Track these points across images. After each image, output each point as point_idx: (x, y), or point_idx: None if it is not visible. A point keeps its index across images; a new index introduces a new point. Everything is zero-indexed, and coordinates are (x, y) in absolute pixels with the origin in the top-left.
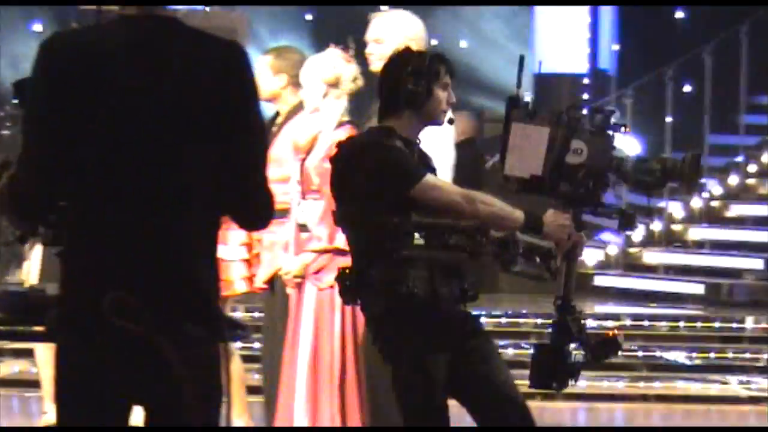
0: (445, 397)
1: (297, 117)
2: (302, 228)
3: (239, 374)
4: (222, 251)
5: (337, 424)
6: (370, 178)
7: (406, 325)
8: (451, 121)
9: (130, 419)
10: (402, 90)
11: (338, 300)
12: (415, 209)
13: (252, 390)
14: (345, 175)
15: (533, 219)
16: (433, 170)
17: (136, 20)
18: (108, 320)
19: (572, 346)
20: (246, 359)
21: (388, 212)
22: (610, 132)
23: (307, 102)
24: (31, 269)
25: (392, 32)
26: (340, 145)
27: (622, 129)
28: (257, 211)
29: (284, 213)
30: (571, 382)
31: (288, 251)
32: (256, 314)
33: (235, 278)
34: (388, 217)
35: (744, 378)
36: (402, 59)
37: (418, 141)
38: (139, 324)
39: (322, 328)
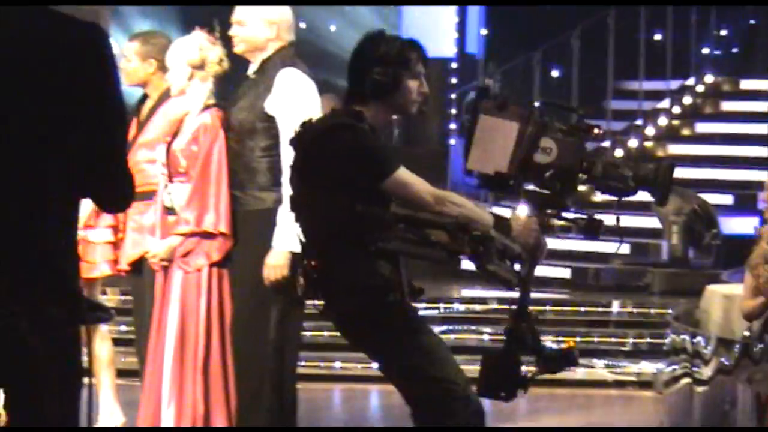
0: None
1: (167, 101)
2: (169, 211)
3: (109, 357)
4: (88, 234)
5: (201, 409)
6: (343, 163)
7: (381, 322)
8: (421, 112)
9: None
10: (367, 78)
11: (205, 284)
12: (385, 200)
13: (121, 373)
14: (311, 158)
15: (502, 222)
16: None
17: None
18: None
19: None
20: (115, 342)
21: (360, 201)
22: (582, 132)
23: (172, 85)
24: None
25: (255, 15)
26: (305, 125)
27: (595, 130)
28: (117, 193)
29: (152, 195)
30: (520, 393)
31: (154, 234)
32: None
33: (99, 260)
34: (367, 207)
35: (610, 362)
36: (371, 44)
37: (382, 132)
38: None
39: (188, 313)
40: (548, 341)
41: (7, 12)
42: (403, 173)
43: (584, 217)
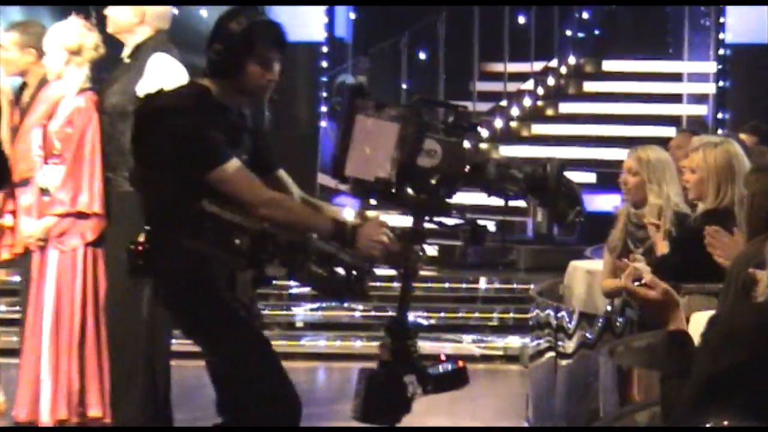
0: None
1: (46, 86)
2: (44, 192)
3: None
4: None
5: (76, 385)
6: (168, 148)
7: (192, 310)
8: (272, 100)
9: None
10: (208, 54)
11: (80, 263)
12: (209, 191)
13: (5, 352)
14: (142, 136)
15: (345, 230)
16: (255, 140)
17: None
18: None
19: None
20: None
21: (182, 187)
22: (466, 131)
23: (50, 70)
24: None
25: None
26: (147, 97)
27: (477, 128)
28: None
29: (29, 179)
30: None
31: (31, 215)
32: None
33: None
34: (179, 195)
35: (477, 337)
36: (223, 21)
37: (236, 108)
38: None
39: (63, 291)
40: (418, 317)
41: None
42: (230, 168)
43: (465, 223)
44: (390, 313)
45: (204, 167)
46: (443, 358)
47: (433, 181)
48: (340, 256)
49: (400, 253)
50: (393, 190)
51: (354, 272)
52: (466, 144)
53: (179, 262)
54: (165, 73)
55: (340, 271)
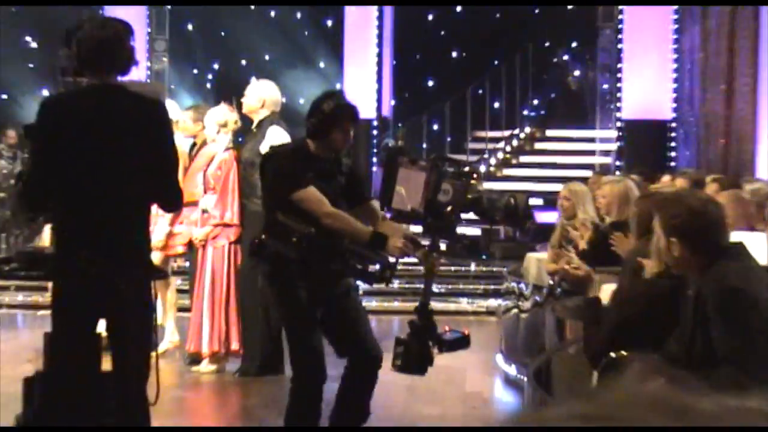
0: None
1: (205, 146)
2: (204, 212)
3: (173, 299)
4: (174, 228)
5: (224, 328)
6: (272, 177)
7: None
8: (348, 154)
9: (98, 326)
10: (307, 123)
11: (226, 255)
12: (294, 210)
13: (181, 309)
14: (262, 172)
15: (379, 239)
16: (351, 180)
17: (98, 86)
18: (82, 268)
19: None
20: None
21: (274, 205)
22: (467, 177)
23: (208, 135)
24: (44, 237)
25: (252, 91)
26: (271, 148)
27: (474, 175)
28: (171, 200)
29: (196, 202)
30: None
31: (198, 225)
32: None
33: (174, 244)
34: (271, 210)
35: (470, 300)
36: (319, 100)
37: (327, 159)
38: (101, 269)
39: (216, 271)
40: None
41: (110, 93)
42: (305, 192)
43: (465, 239)
44: (416, 285)
45: (288, 190)
46: (447, 328)
47: (448, 211)
48: (366, 254)
49: (412, 252)
50: (421, 217)
51: (379, 266)
52: (468, 186)
53: (269, 254)
54: (277, 138)
55: (375, 266)
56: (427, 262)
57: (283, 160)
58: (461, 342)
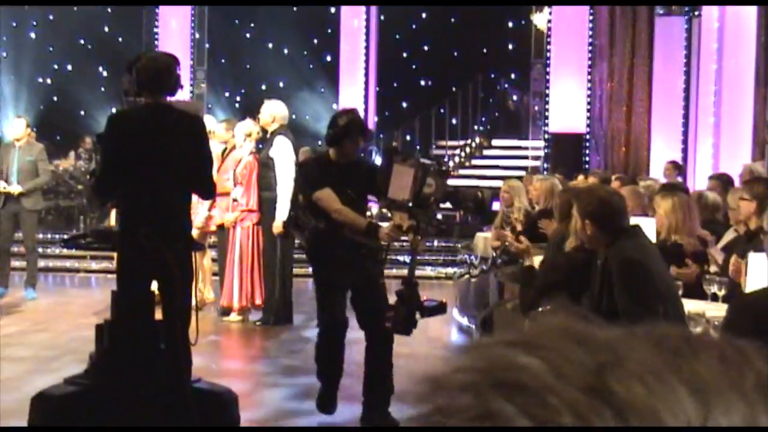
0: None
1: (234, 151)
2: (234, 200)
3: (209, 266)
4: (204, 211)
5: (249, 288)
6: (299, 183)
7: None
8: (359, 158)
9: (152, 285)
10: (326, 134)
11: (251, 234)
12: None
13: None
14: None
15: (373, 228)
16: (365, 181)
17: (152, 104)
18: (140, 242)
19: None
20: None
21: (303, 203)
22: (445, 173)
23: (237, 142)
24: (112, 219)
25: (266, 110)
26: (304, 159)
27: (450, 173)
28: (207, 191)
29: (227, 193)
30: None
31: (229, 211)
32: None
33: (209, 224)
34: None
35: (434, 267)
36: (335, 116)
37: (343, 163)
38: (154, 242)
39: (243, 246)
40: (407, 258)
41: (162, 111)
42: (321, 193)
43: (442, 224)
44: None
45: (309, 191)
46: (426, 297)
47: (431, 201)
48: (366, 241)
49: (398, 237)
50: (409, 206)
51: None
52: (446, 179)
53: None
54: (281, 146)
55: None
56: (413, 243)
57: (308, 168)
58: (439, 309)
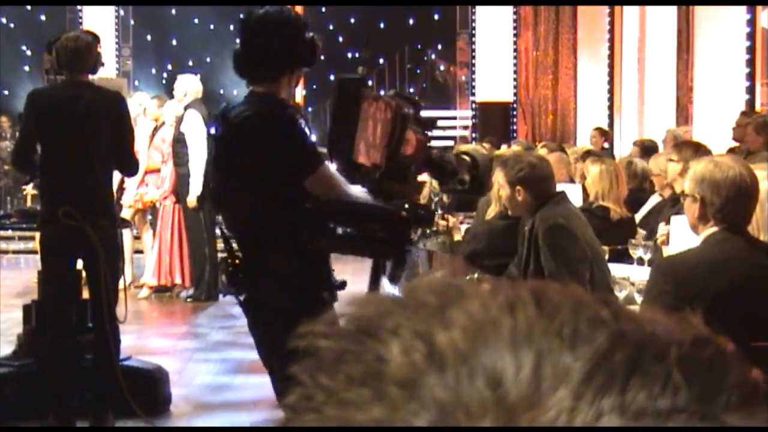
0: None
1: (163, 128)
2: (163, 178)
3: (130, 242)
4: (133, 189)
5: (167, 266)
6: (271, 154)
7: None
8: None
9: (77, 264)
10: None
11: (175, 211)
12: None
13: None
14: (234, 148)
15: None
16: None
17: (71, 82)
18: (60, 220)
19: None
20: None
21: (280, 194)
22: (427, 126)
23: (166, 121)
24: (28, 200)
25: (180, 85)
26: (225, 112)
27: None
28: (129, 167)
29: (158, 170)
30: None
31: (158, 188)
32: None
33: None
34: (314, 203)
35: None
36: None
37: None
38: (75, 220)
39: (165, 221)
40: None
41: (81, 88)
42: (328, 168)
43: (422, 210)
44: None
45: (310, 168)
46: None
47: (412, 168)
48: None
49: None
50: (376, 176)
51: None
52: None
53: (300, 273)
54: (191, 120)
55: None
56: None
57: (289, 125)
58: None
